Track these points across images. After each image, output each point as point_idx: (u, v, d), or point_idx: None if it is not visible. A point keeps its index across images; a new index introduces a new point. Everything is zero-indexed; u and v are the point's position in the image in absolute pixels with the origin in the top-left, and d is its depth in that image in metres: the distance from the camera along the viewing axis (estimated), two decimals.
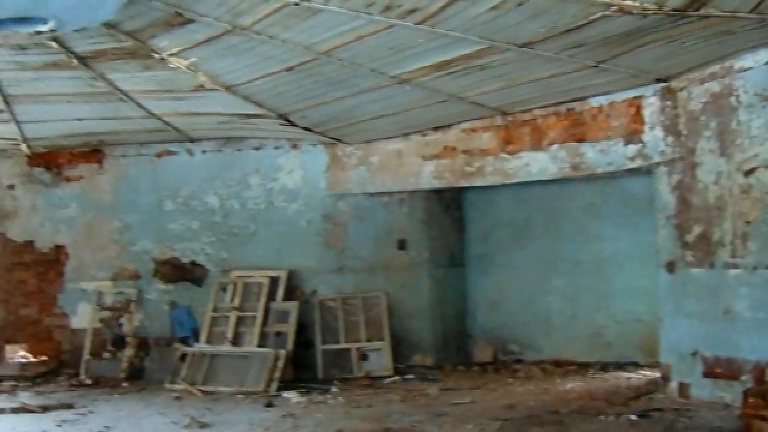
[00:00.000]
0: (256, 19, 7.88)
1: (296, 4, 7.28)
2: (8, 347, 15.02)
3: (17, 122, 12.84)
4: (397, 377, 12.87)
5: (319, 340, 13.55)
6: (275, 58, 9.18)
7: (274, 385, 12.11)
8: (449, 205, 14.59)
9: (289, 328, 13.29)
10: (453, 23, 7.70)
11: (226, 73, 10.09)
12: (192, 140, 14.28)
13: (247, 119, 12.44)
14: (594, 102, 10.90)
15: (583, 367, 13.27)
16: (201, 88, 10.72)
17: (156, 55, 9.39)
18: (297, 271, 13.99)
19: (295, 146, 14.13)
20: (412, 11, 7.36)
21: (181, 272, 14.40)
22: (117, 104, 11.69)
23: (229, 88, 10.67)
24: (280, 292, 13.69)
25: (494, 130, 12.03)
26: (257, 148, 14.28)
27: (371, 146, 13.58)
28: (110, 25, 8.28)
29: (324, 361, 13.42)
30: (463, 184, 12.73)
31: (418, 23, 7.67)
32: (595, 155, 10.95)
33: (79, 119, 12.73)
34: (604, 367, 13.17)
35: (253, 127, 13.03)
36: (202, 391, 12.34)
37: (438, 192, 13.85)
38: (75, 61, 9.62)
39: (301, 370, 13.18)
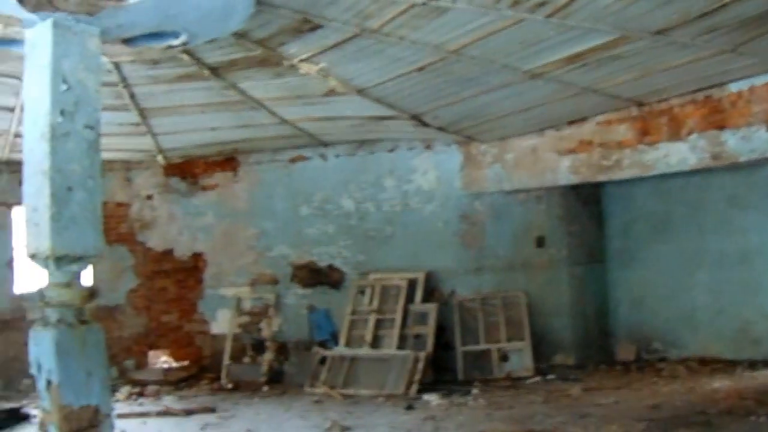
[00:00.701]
0: (384, 21, 7.98)
1: (424, 4, 7.37)
2: (151, 353, 15.67)
3: (153, 134, 13.47)
4: (538, 378, 12.90)
5: (459, 341, 13.64)
6: (405, 59, 9.26)
7: (414, 388, 12.31)
8: (587, 200, 14.51)
9: (429, 330, 13.43)
10: (583, 14, 7.62)
11: (357, 77, 10.21)
12: (325, 144, 14.58)
13: (379, 121, 12.59)
14: (733, 88, 10.58)
15: (730, 365, 12.94)
16: (332, 92, 10.90)
17: (286, 62, 9.62)
18: (435, 273, 14.10)
19: (428, 147, 14.24)
20: (541, 4, 7.34)
21: (318, 276, 14.70)
22: (250, 112, 12.08)
23: (360, 92, 10.80)
24: (419, 293, 13.83)
25: (630, 121, 11.87)
26: (391, 150, 14.45)
27: (506, 143, 13.54)
28: (240, 35, 8.55)
29: (464, 362, 13.52)
30: (601, 178, 12.55)
31: (548, 16, 7.62)
32: (737, 143, 10.63)
33: (213, 129, 13.21)
34: (753, 364, 12.80)
35: (386, 129, 13.18)
36: (342, 395, 12.64)
37: (575, 187, 13.71)
38: (207, 72, 9.99)
39: (441, 372, 13.31)
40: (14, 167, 14.73)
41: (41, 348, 5.80)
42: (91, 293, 5.74)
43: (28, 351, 12.23)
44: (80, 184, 5.79)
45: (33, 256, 5.83)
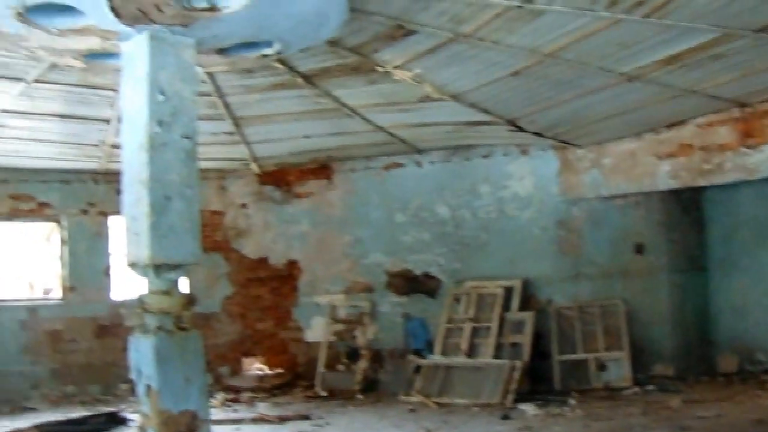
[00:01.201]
0: (479, 25, 8.01)
1: (519, 6, 7.37)
2: (245, 360, 15.92)
3: (247, 143, 13.75)
4: (637, 388, 12.72)
5: (556, 350, 13.55)
6: (500, 63, 9.26)
7: (511, 397, 12.26)
8: (687, 206, 14.25)
9: (525, 339, 13.35)
10: (682, 13, 7.51)
11: (452, 82, 10.26)
12: (419, 151, 14.62)
13: (474, 127, 12.59)
14: None
15: None
16: (427, 98, 10.96)
17: (380, 69, 9.76)
18: (531, 280, 13.99)
19: (524, 152, 14.15)
20: (638, 4, 7.27)
21: (414, 284, 14.72)
22: (343, 119, 12.24)
23: (455, 97, 10.84)
24: (515, 301, 13.74)
25: (732, 123, 11.57)
26: (486, 156, 14.39)
27: (603, 147, 13.39)
28: (333, 43, 8.71)
29: (561, 372, 13.43)
30: (701, 182, 12.30)
31: (646, 16, 7.54)
32: None
33: (307, 136, 13.42)
34: None
35: (481, 134, 13.17)
36: (437, 404, 12.65)
37: (675, 192, 13.46)
38: (300, 80, 10.20)
39: (538, 382, 13.21)
40: (111, 177, 15.19)
41: (141, 354, 6.00)
42: (190, 300, 5.92)
43: (125, 356, 12.56)
44: (178, 194, 5.98)
45: (132, 265, 6.04)
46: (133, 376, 6.16)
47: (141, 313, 6.01)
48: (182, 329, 6.01)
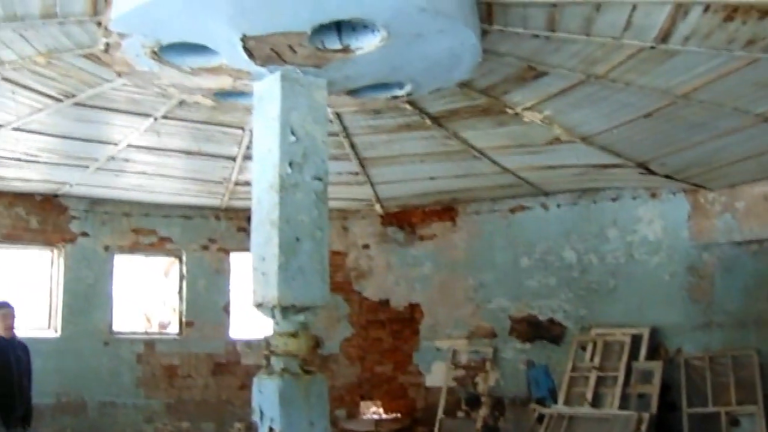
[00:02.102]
0: (611, 67, 7.96)
1: (652, 47, 7.30)
2: (363, 403, 15.91)
3: (371, 184, 13.87)
4: None
5: (685, 402, 13.08)
6: (632, 105, 9.17)
7: None
8: None
9: (653, 390, 13.01)
10: None
11: (582, 124, 10.20)
12: (546, 194, 14.54)
13: (603, 170, 12.45)
14: None
15: None
16: (556, 140, 10.91)
17: (509, 111, 9.77)
18: (660, 328, 13.63)
19: (653, 195, 13.88)
20: None
21: (538, 330, 14.58)
22: (470, 161, 12.25)
23: (585, 139, 10.75)
24: (643, 350, 13.42)
25: None
26: (614, 199, 14.19)
27: (736, 191, 13.02)
28: (464, 84, 8.75)
29: (690, 425, 12.95)
30: None
31: None
32: None
33: (432, 178, 13.47)
34: None
35: (610, 177, 13.02)
36: None
37: None
38: (428, 122, 10.27)
39: None
40: (232, 214, 15.53)
41: (265, 396, 6.05)
42: (317, 343, 5.96)
43: (241, 394, 12.70)
44: (308, 235, 6.04)
45: (259, 306, 6.11)
46: (255, 417, 6.22)
47: (267, 355, 6.06)
48: (308, 372, 6.05)
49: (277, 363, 6.04)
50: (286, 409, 5.94)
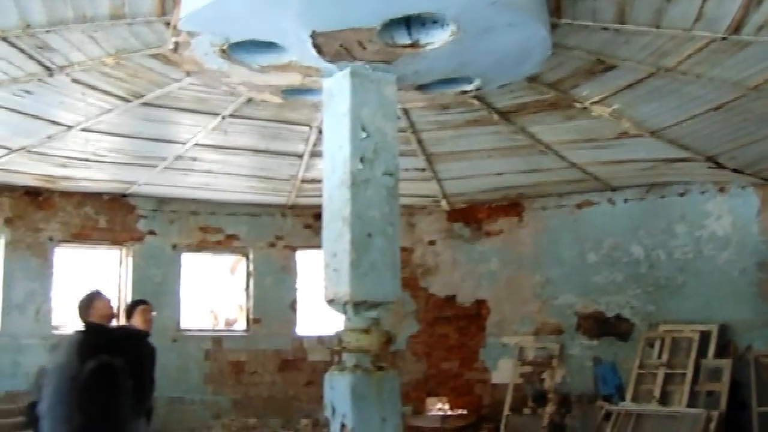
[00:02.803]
0: (681, 59, 7.86)
1: (724, 38, 7.18)
2: (429, 400, 15.84)
3: (438, 180, 13.86)
4: None
5: (755, 400, 12.78)
6: (702, 97, 9.03)
7: None
8: None
9: (722, 388, 12.75)
10: None
11: (651, 118, 10.08)
12: (613, 189, 14.37)
13: (671, 164, 12.33)
14: None
15: None
16: (624, 134, 10.80)
17: (578, 105, 9.70)
18: (729, 325, 13.37)
19: (722, 190, 13.65)
20: None
21: (605, 327, 14.41)
22: (537, 156, 12.19)
23: (653, 133, 10.64)
24: (712, 347, 13.18)
25: None
26: (682, 194, 13.97)
27: None
28: (532, 78, 8.72)
29: (760, 424, 12.66)
30: None
31: None
32: None
33: (499, 173, 13.42)
34: None
35: (678, 171, 12.87)
36: None
37: None
38: (496, 117, 10.22)
39: None
40: (298, 211, 15.60)
41: (337, 392, 6.04)
42: (388, 339, 5.94)
43: (308, 391, 12.71)
44: (380, 231, 6.02)
45: (331, 301, 6.10)
46: (327, 413, 6.20)
47: (339, 351, 6.05)
48: (380, 368, 6.02)
49: (349, 359, 6.03)
50: (358, 405, 5.92)
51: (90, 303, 6.61)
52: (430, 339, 16.18)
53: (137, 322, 8.46)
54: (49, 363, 6.23)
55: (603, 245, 14.61)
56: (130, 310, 8.62)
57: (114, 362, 6.43)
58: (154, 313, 8.72)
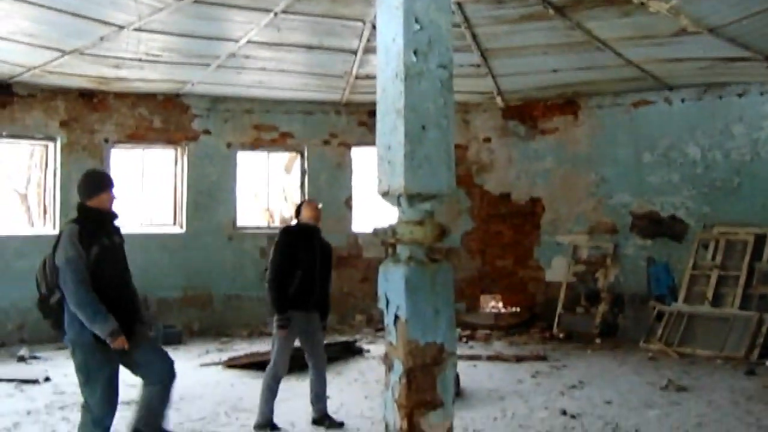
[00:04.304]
0: None
1: None
2: (483, 297, 16.07)
3: (493, 76, 13.72)
4: None
5: None
6: None
7: (757, 352, 11.90)
8: None
9: None
10: None
11: (710, 14, 9.90)
12: (670, 88, 14.16)
13: (730, 63, 12.12)
14: None
15: None
16: (682, 32, 10.62)
17: (635, 0, 9.54)
18: None
19: None
20: None
21: (659, 227, 14.37)
22: (593, 53, 12.02)
23: (712, 31, 10.45)
24: (766, 250, 13.12)
25: None
26: (741, 95, 13.75)
27: None
28: None
29: None
30: None
31: None
32: None
33: (554, 71, 13.26)
34: None
35: (737, 71, 12.66)
36: (678, 353, 12.43)
37: None
38: (551, 12, 10.08)
39: None
40: (353, 108, 15.58)
41: (391, 284, 6.04)
42: (442, 232, 5.90)
43: (362, 287, 12.79)
44: (434, 123, 5.94)
45: (385, 194, 6.07)
46: (381, 305, 6.22)
47: (393, 243, 6.05)
48: (434, 261, 6.02)
49: (403, 251, 6.02)
50: (412, 296, 5.91)
51: (98, 191, 6.61)
52: (484, 236, 16.24)
53: (306, 217, 8.73)
54: (60, 258, 6.22)
55: (659, 145, 14.48)
56: (298, 209, 8.88)
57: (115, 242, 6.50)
58: (320, 206, 8.93)
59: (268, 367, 8.52)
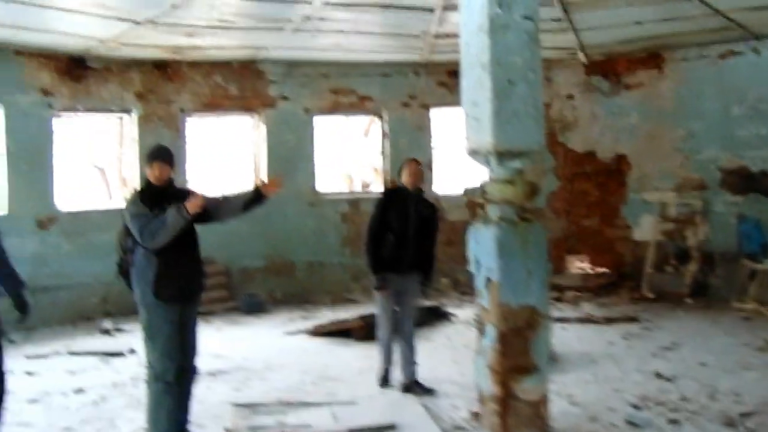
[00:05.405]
0: None
1: None
2: (569, 258, 15.78)
3: (575, 30, 13.33)
4: None
5: None
6: None
7: None
8: None
9: None
10: None
11: None
12: (758, 38, 13.58)
13: None
14: None
15: None
16: None
17: None
18: None
19: None
20: None
21: (750, 182, 13.85)
22: (678, 3, 11.57)
23: None
24: None
25: None
26: None
27: None
28: None
29: None
30: None
31: None
32: None
33: (638, 23, 12.80)
34: None
35: None
36: None
37: None
38: None
39: None
40: (432, 69, 15.38)
41: (481, 246, 5.89)
42: (533, 190, 5.72)
43: (447, 251, 12.61)
44: (521, 78, 5.74)
45: (473, 153, 5.90)
46: (471, 268, 6.06)
47: (482, 203, 5.87)
48: (525, 220, 5.83)
49: (493, 211, 5.84)
50: (504, 258, 5.75)
51: (147, 164, 6.76)
52: (569, 196, 15.90)
53: (403, 180, 8.76)
54: (126, 216, 6.41)
55: (748, 97, 13.91)
56: (399, 171, 8.91)
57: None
58: (418, 166, 8.86)
59: (377, 328, 8.87)
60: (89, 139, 20.81)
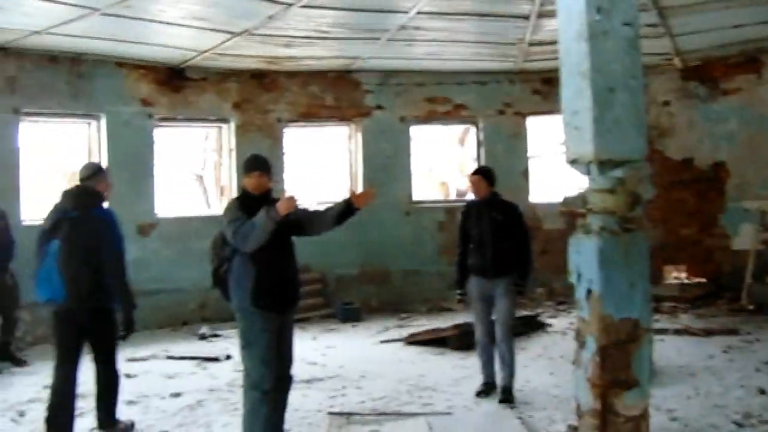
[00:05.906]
0: None
1: None
2: (666, 268, 15.38)
3: (671, 35, 13.03)
4: None
5: None
6: None
7: None
8: None
9: None
10: None
11: None
12: None
13: None
14: None
15: None
16: None
17: None
18: None
19: None
20: None
21: None
22: None
23: None
24: None
25: None
26: None
27: None
28: None
29: None
30: None
31: None
32: None
33: (736, 26, 12.51)
34: None
35: None
36: None
37: None
38: None
39: None
40: (526, 77, 15.25)
41: (583, 256, 5.72)
42: (635, 199, 5.55)
43: (541, 260, 12.45)
44: (622, 85, 5.58)
45: (573, 162, 5.74)
46: (572, 279, 5.90)
47: (584, 213, 5.71)
48: (627, 230, 5.65)
49: (594, 221, 5.67)
50: (605, 269, 5.58)
51: (244, 174, 6.82)
52: (666, 204, 15.51)
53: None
54: (223, 222, 6.46)
55: None
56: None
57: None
58: (474, 177, 8.97)
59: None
60: (188, 148, 21.12)
